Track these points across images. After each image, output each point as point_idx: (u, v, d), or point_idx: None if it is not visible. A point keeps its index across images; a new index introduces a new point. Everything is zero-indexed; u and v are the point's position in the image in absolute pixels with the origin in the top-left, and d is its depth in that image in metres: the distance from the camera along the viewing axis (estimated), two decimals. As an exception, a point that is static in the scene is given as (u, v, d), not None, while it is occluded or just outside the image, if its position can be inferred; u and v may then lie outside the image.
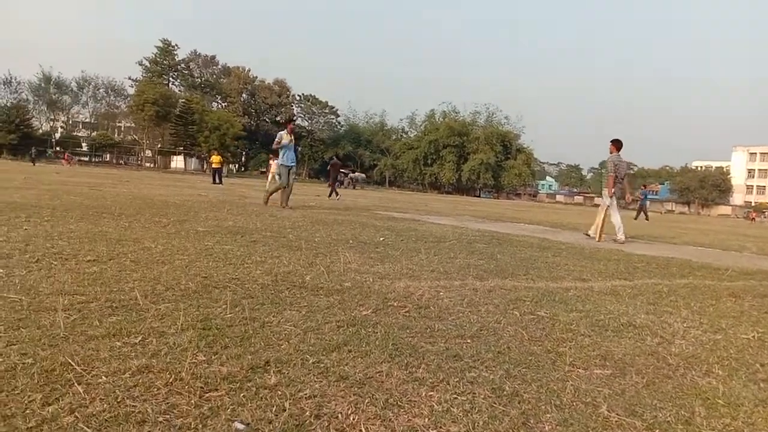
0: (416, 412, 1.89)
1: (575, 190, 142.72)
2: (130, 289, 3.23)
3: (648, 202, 26.97)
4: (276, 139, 12.15)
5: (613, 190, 10.61)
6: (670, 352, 2.92)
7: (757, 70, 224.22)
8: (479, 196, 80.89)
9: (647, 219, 26.20)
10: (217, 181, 28.33)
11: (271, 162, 26.84)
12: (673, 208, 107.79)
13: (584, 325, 3.35)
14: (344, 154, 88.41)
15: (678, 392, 2.33)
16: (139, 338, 2.39)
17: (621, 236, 10.55)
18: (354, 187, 51.91)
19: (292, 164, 12.27)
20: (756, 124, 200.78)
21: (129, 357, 2.16)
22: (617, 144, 10.85)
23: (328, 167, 24.23)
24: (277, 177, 12.61)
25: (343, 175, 47.79)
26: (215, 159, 30.01)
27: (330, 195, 22.31)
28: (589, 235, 10.86)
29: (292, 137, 12.36)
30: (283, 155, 12.14)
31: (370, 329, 2.84)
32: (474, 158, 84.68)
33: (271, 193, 12.69)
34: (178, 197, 12.87)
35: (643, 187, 28.90)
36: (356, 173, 64.84)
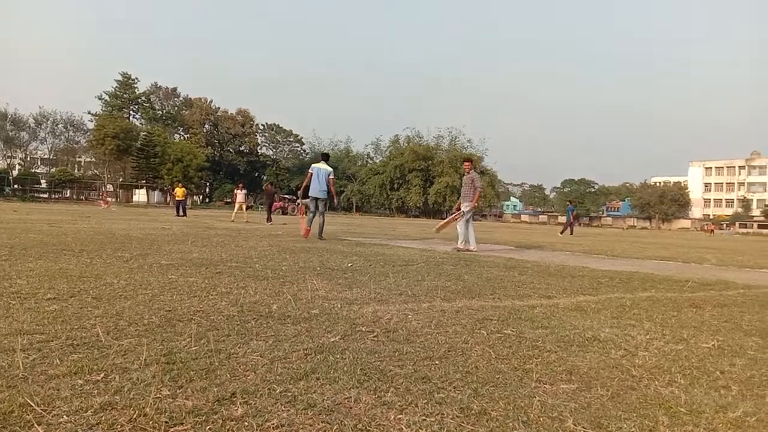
0: (385, 435, 1.89)
1: (539, 209, 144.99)
2: (92, 325, 3.16)
3: (571, 217, 27.77)
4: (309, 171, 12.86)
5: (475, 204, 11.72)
6: (633, 364, 2.97)
7: (710, 87, 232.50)
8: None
9: (571, 233, 26.91)
10: (181, 213, 27.96)
11: (236, 192, 26.67)
12: (635, 224, 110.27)
13: (550, 341, 3.39)
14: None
15: (642, 403, 2.37)
16: (102, 375, 2.34)
17: (460, 245, 11.44)
18: (285, 213, 51.73)
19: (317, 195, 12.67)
20: (711, 138, 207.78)
21: (91, 395, 2.11)
22: (471, 162, 12.62)
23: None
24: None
25: (288, 201, 47.50)
26: (179, 191, 29.66)
27: (267, 221, 23.33)
28: (459, 249, 11.28)
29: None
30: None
31: (338, 355, 2.82)
32: (439, 181, 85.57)
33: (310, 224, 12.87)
34: (141, 231, 12.65)
35: (569, 203, 29.64)
36: (305, 200, 64.60)
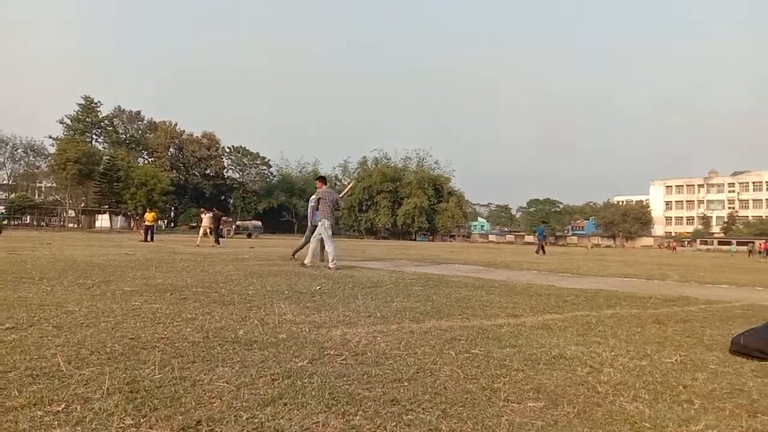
0: (353, 460, 1.88)
1: (506, 229, 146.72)
2: (52, 355, 3.08)
3: (542, 238, 28.48)
4: (311, 203, 12.84)
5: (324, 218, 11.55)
6: (599, 381, 3.01)
7: (663, 109, 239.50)
8: (415, 240, 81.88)
9: (544, 253, 27.42)
10: (149, 238, 27.49)
11: (201, 216, 26.34)
12: (600, 242, 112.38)
13: (517, 360, 3.42)
14: (278, 204, 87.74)
15: (607, 419, 2.40)
16: (63, 406, 2.28)
17: (308, 261, 11.34)
18: (249, 236, 51.55)
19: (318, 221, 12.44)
20: (670, 159, 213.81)
21: (51, 426, 2.05)
22: (323, 180, 12.45)
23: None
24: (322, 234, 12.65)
25: (226, 223, 47.30)
26: (149, 216, 29.23)
27: (214, 243, 23.90)
28: (305, 264, 11.23)
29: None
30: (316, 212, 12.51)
31: (306, 380, 2.80)
32: (408, 203, 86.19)
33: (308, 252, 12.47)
34: (104, 257, 12.38)
35: (543, 223, 30.37)
36: (250, 222, 64.54)
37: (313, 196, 11.87)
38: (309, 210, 12.95)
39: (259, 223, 66.03)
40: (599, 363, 3.44)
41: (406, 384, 2.80)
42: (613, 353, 3.75)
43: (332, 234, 11.59)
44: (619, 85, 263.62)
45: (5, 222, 46.21)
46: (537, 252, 27.68)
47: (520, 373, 3.10)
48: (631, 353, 3.79)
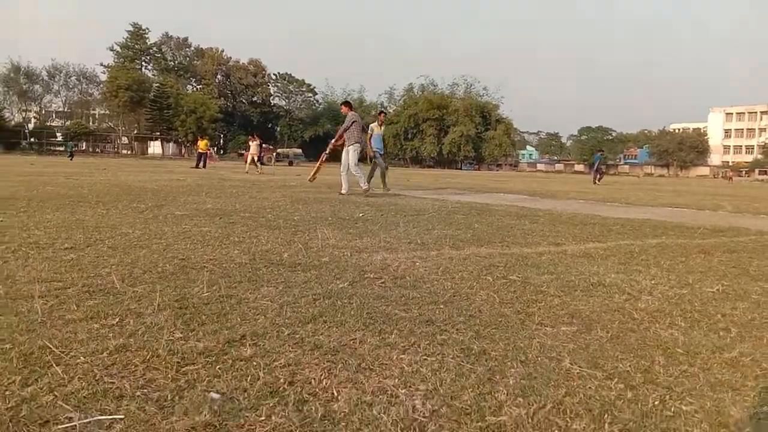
0: (387, 374, 1.97)
1: (555, 158, 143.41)
2: (107, 273, 3.27)
3: (601, 166, 27.86)
4: (368, 132, 13.19)
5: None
6: (636, 308, 3.02)
7: (732, 34, 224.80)
8: (461, 169, 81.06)
9: (599, 180, 26.88)
10: (201, 165, 28.14)
11: (249, 143, 26.72)
12: (652, 171, 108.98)
13: (554, 286, 3.45)
14: (324, 132, 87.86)
15: (640, 344, 2.43)
16: (117, 320, 2.44)
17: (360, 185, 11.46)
18: (290, 164, 51.83)
19: (378, 150, 13.22)
20: (732, 85, 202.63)
21: (107, 338, 2.20)
22: (349, 105, 12.47)
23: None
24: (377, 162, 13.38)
25: (267, 150, 47.18)
26: (201, 144, 29.82)
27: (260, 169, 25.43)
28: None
29: (382, 127, 13.48)
30: (374, 144, 13.13)
31: (345, 300, 2.90)
32: (454, 131, 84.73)
33: (383, 181, 13.25)
34: (156, 183, 12.80)
35: (599, 152, 29.64)
36: (291, 149, 64.71)
37: (350, 121, 11.82)
38: (367, 139, 13.08)
39: (299, 150, 66.53)
40: (638, 291, 3.44)
41: (441, 306, 2.88)
42: (653, 282, 3.74)
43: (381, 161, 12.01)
44: (679, 11, 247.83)
45: (75, 149, 47.97)
46: (594, 181, 27.15)
47: (556, 299, 3.13)
48: (672, 282, 3.77)
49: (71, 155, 42.93)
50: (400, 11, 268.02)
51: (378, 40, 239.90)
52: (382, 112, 13.99)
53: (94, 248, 4.09)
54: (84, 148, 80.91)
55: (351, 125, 11.60)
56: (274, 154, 56.82)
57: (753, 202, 15.52)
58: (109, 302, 2.69)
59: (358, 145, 11.63)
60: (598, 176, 27.64)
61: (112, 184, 11.87)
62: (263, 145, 29.89)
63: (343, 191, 11.13)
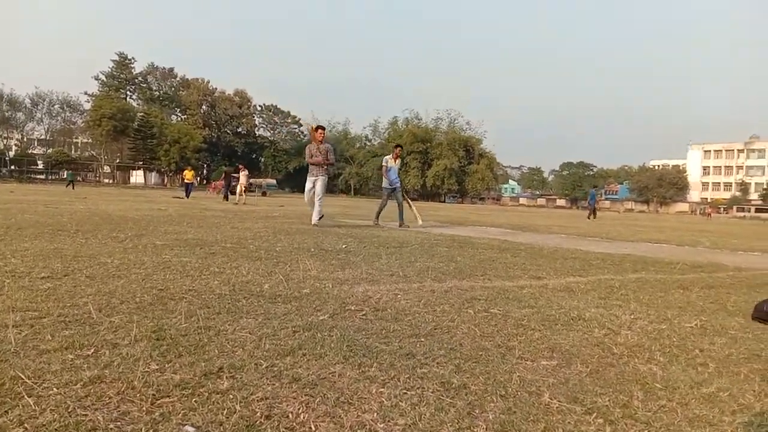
0: (366, 408, 1.95)
1: (537, 192, 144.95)
2: (84, 303, 3.22)
3: (594, 202, 28.15)
4: (383, 164, 12.82)
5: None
6: (615, 342, 3.04)
7: (710, 72, 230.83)
8: (444, 201, 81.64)
9: (594, 217, 27.05)
10: (185, 196, 28.14)
11: (238, 174, 26.78)
12: (633, 207, 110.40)
13: (535, 320, 3.46)
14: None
15: (619, 379, 2.43)
16: (92, 350, 2.39)
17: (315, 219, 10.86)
18: (264, 194, 51.79)
19: (394, 185, 12.75)
20: (710, 122, 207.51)
21: (81, 369, 2.16)
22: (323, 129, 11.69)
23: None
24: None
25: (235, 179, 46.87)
26: (188, 174, 29.81)
27: (224, 199, 26.49)
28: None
29: (397, 161, 13.00)
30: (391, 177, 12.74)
31: (325, 333, 2.88)
32: (438, 164, 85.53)
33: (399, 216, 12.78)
34: (137, 212, 12.69)
35: (593, 188, 30.16)
36: (263, 179, 64.76)
37: (328, 154, 11.19)
38: (383, 171, 12.75)
39: (273, 181, 66.59)
40: (617, 325, 3.46)
41: (422, 339, 2.87)
42: (632, 316, 3.76)
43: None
44: (659, 48, 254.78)
45: (74, 179, 47.21)
46: (589, 217, 27.35)
47: (537, 333, 3.14)
48: (651, 317, 3.79)
49: (72, 184, 42.66)
50: (386, 46, 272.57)
51: (364, 74, 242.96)
52: (398, 146, 13.56)
53: (71, 277, 4.03)
54: (65, 176, 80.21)
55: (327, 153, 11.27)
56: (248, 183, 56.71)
57: (731, 239, 15.76)
58: (84, 332, 2.64)
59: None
60: (593, 211, 27.91)
61: (92, 213, 11.75)
62: (233, 174, 30.20)
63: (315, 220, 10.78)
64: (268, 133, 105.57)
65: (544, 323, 3.39)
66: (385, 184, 12.79)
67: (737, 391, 2.36)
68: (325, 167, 11.07)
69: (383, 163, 12.79)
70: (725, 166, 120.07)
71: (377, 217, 12.69)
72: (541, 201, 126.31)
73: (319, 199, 10.78)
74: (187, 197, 27.51)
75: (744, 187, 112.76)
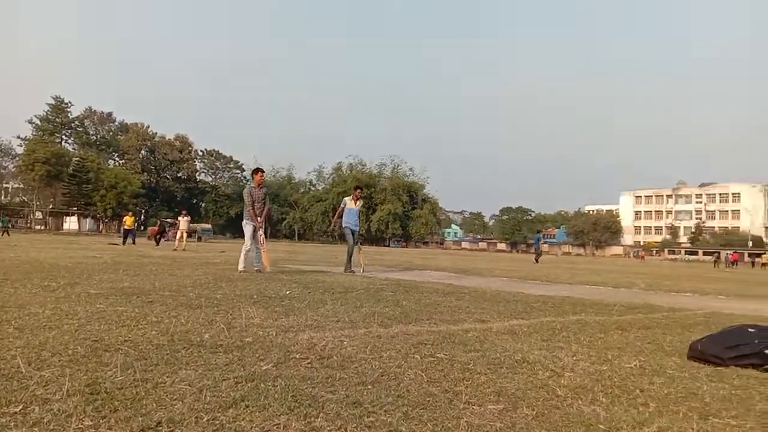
0: (312, 460, 1.90)
1: (479, 236, 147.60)
2: (12, 357, 3.03)
3: (539, 245, 28.79)
4: (341, 205, 12.62)
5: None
6: (559, 384, 3.07)
7: (633, 122, 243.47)
8: (389, 246, 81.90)
9: (539, 260, 27.60)
10: (130, 241, 27.36)
11: (179, 219, 26.20)
12: (570, 250, 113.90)
13: (481, 363, 3.47)
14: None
15: (564, 421, 2.45)
16: (20, 407, 2.25)
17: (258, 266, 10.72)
18: (199, 240, 51.02)
19: (350, 227, 12.41)
20: (639, 169, 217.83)
21: (8, 427, 2.02)
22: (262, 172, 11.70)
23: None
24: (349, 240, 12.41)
25: (171, 227, 46.01)
26: (128, 220, 28.98)
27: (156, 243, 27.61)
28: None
29: (357, 202, 12.75)
30: (346, 218, 12.43)
31: (269, 383, 2.80)
32: (382, 209, 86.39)
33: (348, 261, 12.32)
34: (71, 260, 12.18)
35: (537, 232, 30.84)
36: (198, 224, 64.07)
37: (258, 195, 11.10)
38: (339, 211, 12.62)
39: (208, 225, 65.87)
40: (561, 367, 3.51)
41: (369, 387, 2.83)
42: (574, 358, 3.83)
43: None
44: (591, 93, 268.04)
45: (8, 225, 44.96)
46: (536, 260, 27.80)
47: (483, 377, 3.14)
48: (593, 358, 3.87)
49: (6, 231, 40.48)
50: (328, 93, 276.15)
51: (305, 119, 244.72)
52: (358, 187, 13.41)
53: (-3, 330, 3.80)
54: (-7, 222, 76.51)
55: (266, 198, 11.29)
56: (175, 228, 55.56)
57: (664, 280, 16.40)
58: (12, 388, 2.48)
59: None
60: (537, 255, 28.45)
61: (23, 260, 11.20)
62: (168, 221, 30.08)
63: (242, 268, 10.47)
64: (210, 178, 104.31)
65: (490, 367, 3.40)
66: (344, 224, 12.47)
67: (677, 429, 2.42)
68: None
69: (341, 204, 12.64)
70: (655, 211, 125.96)
71: (349, 261, 12.25)
72: (482, 245, 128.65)
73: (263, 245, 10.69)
74: (124, 244, 26.64)
75: (674, 230, 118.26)
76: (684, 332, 5.32)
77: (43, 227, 76.70)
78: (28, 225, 78.85)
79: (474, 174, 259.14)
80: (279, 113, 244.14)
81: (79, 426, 2.07)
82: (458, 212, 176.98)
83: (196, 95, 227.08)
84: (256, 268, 10.53)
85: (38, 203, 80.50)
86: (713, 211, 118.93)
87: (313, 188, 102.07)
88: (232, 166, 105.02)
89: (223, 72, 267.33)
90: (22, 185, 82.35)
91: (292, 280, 9.15)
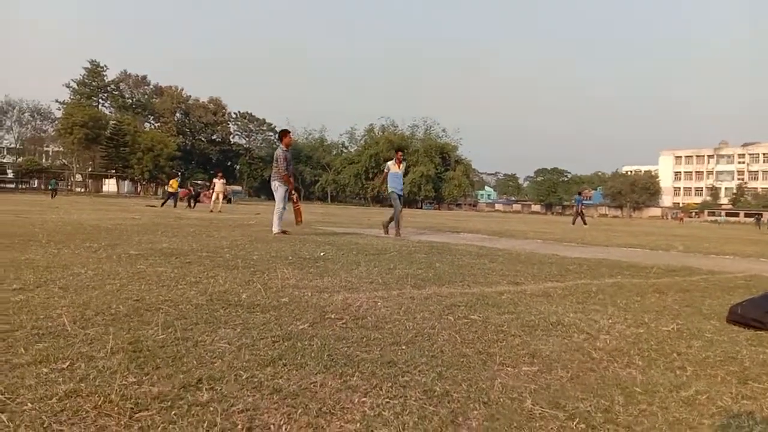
0: (348, 418, 1.93)
1: (513, 198, 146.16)
2: (58, 315, 3.14)
3: (581, 206, 27.93)
4: (384, 170, 12.47)
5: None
6: (595, 347, 3.06)
7: (682, 80, 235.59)
8: (421, 208, 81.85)
9: (584, 223, 26.94)
10: (171, 204, 28.04)
11: (214, 181, 26.53)
12: (606, 212, 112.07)
13: (515, 326, 3.47)
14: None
15: (600, 384, 2.44)
16: (67, 363, 2.33)
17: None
18: (229, 201, 51.55)
19: (396, 191, 12.27)
20: (680, 128, 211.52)
21: (56, 383, 2.10)
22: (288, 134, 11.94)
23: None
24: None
25: (202, 189, 46.53)
26: (173, 183, 29.72)
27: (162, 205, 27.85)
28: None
29: (401, 165, 12.55)
30: (392, 183, 12.30)
31: (306, 342, 2.85)
32: (414, 171, 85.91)
33: (388, 223, 12.25)
34: (111, 221, 12.50)
35: (578, 194, 29.94)
36: (230, 186, 64.63)
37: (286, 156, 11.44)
38: (383, 176, 12.49)
39: (239, 188, 66.46)
40: (596, 330, 3.48)
41: (404, 347, 2.86)
42: (610, 321, 3.79)
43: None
44: (634, 50, 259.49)
45: (57, 186, 47.89)
46: (574, 222, 27.12)
47: (517, 339, 3.14)
48: (629, 321, 3.83)
49: (54, 192, 44.63)
50: (363, 52, 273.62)
51: (341, 80, 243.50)
52: (399, 149, 13.15)
53: (44, 289, 3.93)
54: (36, 185, 78.73)
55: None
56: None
57: (703, 242, 16.05)
58: (59, 345, 2.58)
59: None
60: (579, 217, 27.57)
61: (65, 222, 11.54)
62: (198, 182, 30.59)
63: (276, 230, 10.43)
64: (243, 141, 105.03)
65: (524, 329, 3.40)
66: (390, 189, 12.29)
67: (715, 393, 2.39)
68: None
69: (385, 169, 12.51)
70: (696, 172, 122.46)
71: (398, 227, 11.98)
72: (516, 207, 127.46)
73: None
74: (174, 206, 27.28)
75: (714, 191, 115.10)
76: (723, 295, 5.23)
77: (83, 189, 78.76)
78: (69, 187, 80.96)
79: (509, 134, 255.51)
80: (312, 75, 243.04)
81: (123, 382, 2.14)
82: (492, 174, 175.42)
83: (229, 56, 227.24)
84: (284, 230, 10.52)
85: (78, 166, 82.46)
86: (756, 172, 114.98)
87: (345, 150, 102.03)
88: (265, 128, 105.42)
89: (256, 39, 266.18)
90: (62, 148, 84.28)
91: (326, 241, 9.24)
